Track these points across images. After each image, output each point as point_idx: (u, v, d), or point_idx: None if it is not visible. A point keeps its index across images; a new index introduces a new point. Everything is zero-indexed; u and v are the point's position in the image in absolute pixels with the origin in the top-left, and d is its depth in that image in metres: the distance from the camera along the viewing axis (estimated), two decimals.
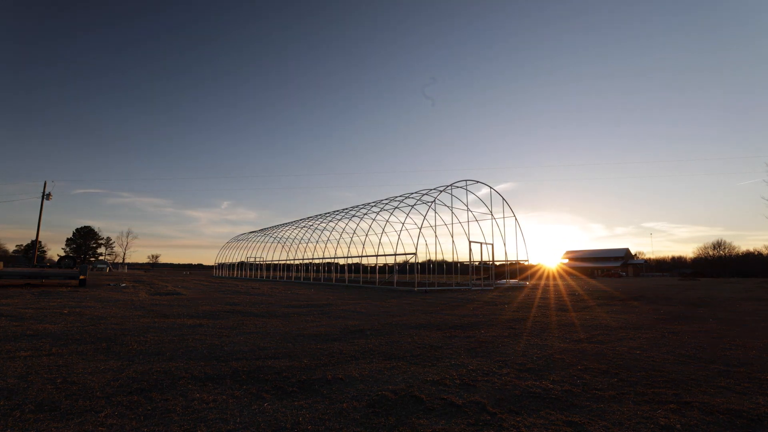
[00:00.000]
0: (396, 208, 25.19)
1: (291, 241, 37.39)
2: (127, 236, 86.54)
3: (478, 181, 23.97)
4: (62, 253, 78.53)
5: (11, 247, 73.49)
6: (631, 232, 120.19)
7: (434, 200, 21.12)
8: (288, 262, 35.99)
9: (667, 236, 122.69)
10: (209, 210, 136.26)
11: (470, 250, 22.63)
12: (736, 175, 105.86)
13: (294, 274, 34.74)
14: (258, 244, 42.26)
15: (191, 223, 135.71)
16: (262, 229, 44.60)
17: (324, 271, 34.21)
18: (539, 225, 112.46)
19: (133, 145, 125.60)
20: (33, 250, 41.51)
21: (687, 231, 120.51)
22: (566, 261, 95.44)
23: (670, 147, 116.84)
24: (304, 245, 34.89)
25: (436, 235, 24.70)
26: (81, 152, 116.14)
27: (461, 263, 26.96)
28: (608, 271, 74.99)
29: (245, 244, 45.14)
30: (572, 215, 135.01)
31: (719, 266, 71.82)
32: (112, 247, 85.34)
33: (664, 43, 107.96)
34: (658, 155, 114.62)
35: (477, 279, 24.59)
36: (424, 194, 22.91)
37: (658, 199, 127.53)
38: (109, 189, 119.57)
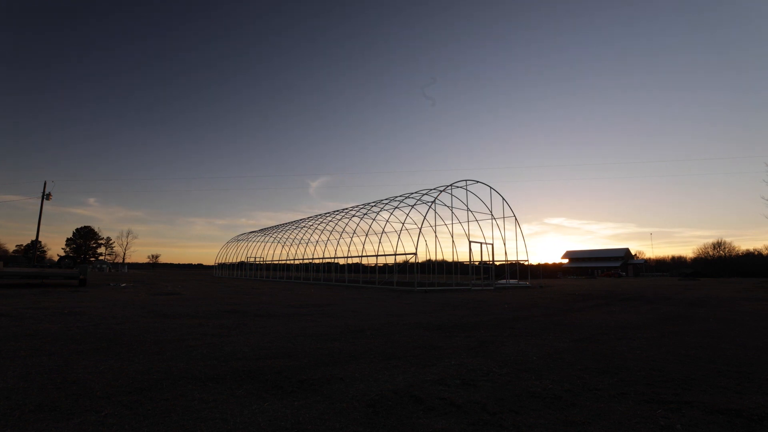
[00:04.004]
0: (396, 208, 25.18)
1: (291, 241, 37.41)
2: (127, 236, 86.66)
3: (478, 181, 23.97)
4: (62, 253, 78.61)
5: (11, 247, 73.59)
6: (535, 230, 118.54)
7: (434, 200, 21.11)
8: (288, 262, 35.98)
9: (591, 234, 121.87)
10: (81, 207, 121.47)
11: (470, 250, 22.63)
12: (727, 176, 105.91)
13: (294, 273, 34.72)
14: (258, 244, 42.27)
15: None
16: (262, 229, 44.61)
17: (324, 271, 34.20)
18: (540, 225, 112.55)
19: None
20: (33, 250, 41.49)
21: (609, 227, 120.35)
22: (566, 261, 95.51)
23: (668, 147, 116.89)
24: (304, 245, 34.91)
25: (436, 235, 24.70)
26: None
27: (461, 263, 26.95)
28: (608, 271, 74.93)
29: (245, 244, 45.16)
30: (573, 215, 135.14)
31: (719, 266, 71.72)
32: (111, 247, 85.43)
33: (663, 42, 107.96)
34: (656, 155, 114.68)
35: (477, 279, 24.59)
36: (424, 194, 22.90)
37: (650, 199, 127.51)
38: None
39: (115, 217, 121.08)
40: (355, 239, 27.11)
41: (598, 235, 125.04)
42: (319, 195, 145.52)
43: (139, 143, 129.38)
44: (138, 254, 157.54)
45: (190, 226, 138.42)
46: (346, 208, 30.33)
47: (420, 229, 20.72)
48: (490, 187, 24.51)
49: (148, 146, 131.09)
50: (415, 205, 23.01)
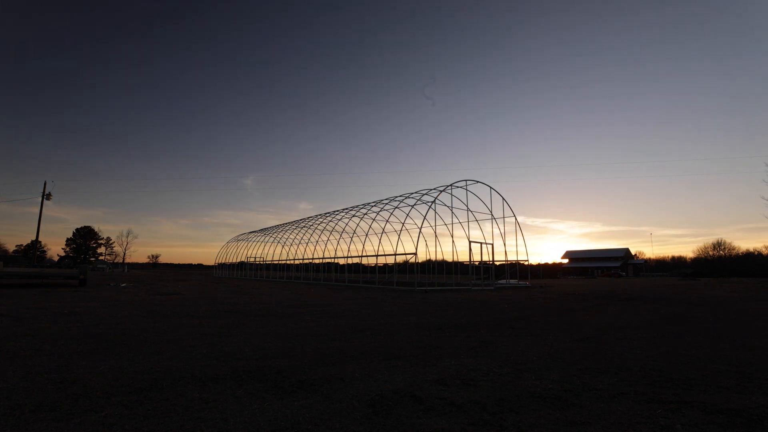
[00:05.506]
0: (396, 208, 25.18)
1: (291, 241, 37.41)
2: (127, 236, 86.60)
3: (478, 181, 23.98)
4: (62, 253, 78.60)
5: (11, 247, 73.54)
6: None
7: (434, 200, 21.11)
8: (288, 262, 35.99)
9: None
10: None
11: (470, 250, 22.64)
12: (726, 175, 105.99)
13: (294, 273, 34.74)
14: (258, 244, 42.29)
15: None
16: (262, 230, 44.60)
17: (324, 271, 34.22)
18: (539, 225, 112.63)
19: None
20: (33, 250, 41.49)
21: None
22: (566, 261, 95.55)
23: (667, 147, 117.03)
24: (304, 245, 34.92)
25: (436, 235, 24.70)
26: None
27: (461, 263, 26.96)
28: (608, 271, 74.95)
29: (245, 244, 45.15)
30: (572, 215, 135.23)
31: (719, 266, 71.64)
32: (111, 247, 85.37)
33: (663, 42, 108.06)
34: (657, 155, 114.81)
35: (477, 279, 24.60)
36: (424, 194, 22.91)
37: (654, 200, 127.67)
38: None
39: (77, 216, 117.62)
40: (355, 239, 27.14)
41: (596, 234, 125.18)
42: (319, 196, 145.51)
43: (77, 142, 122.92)
44: (138, 254, 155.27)
45: (157, 225, 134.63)
46: (347, 208, 30.36)
47: (420, 229, 20.73)
48: (490, 187, 24.54)
49: (94, 146, 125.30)
50: (415, 205, 23.02)
